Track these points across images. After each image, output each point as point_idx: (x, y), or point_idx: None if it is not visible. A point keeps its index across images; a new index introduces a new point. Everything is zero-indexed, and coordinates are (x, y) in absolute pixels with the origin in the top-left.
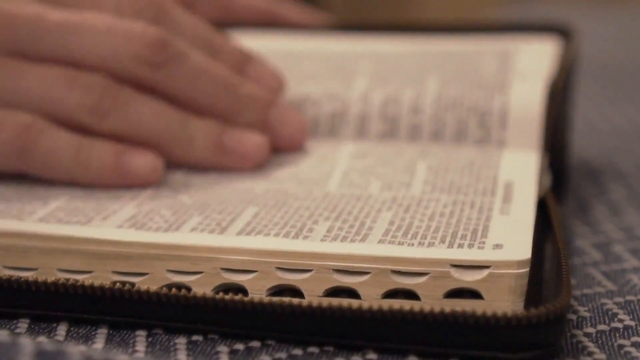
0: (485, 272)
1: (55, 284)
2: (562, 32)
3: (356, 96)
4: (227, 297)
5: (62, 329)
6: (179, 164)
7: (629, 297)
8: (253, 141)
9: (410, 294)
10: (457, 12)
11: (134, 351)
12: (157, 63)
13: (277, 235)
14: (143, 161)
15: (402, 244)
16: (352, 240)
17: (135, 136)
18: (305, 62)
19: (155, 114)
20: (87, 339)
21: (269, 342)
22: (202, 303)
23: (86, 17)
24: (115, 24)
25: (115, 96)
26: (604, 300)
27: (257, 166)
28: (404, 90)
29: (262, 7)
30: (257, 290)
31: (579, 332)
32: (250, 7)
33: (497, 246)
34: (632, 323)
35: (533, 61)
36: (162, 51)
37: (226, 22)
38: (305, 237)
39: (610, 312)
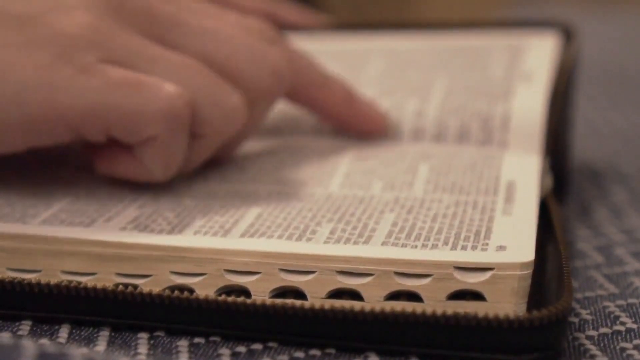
0: (488, 274)
1: (57, 286)
2: (563, 29)
3: None
4: (229, 299)
5: (64, 331)
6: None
7: (631, 300)
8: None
9: (413, 296)
10: (456, 14)
11: (136, 353)
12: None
13: (280, 237)
14: None
15: (405, 246)
16: (356, 242)
17: None
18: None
19: None
20: (89, 341)
21: (271, 344)
22: (204, 305)
23: (222, 26)
24: (254, 44)
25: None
26: (606, 303)
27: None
28: (409, 98)
29: (261, 9)
30: (260, 292)
31: (581, 335)
32: (250, 9)
33: (501, 248)
34: (635, 326)
35: (539, 59)
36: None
37: None
38: (309, 239)
39: (612, 315)
